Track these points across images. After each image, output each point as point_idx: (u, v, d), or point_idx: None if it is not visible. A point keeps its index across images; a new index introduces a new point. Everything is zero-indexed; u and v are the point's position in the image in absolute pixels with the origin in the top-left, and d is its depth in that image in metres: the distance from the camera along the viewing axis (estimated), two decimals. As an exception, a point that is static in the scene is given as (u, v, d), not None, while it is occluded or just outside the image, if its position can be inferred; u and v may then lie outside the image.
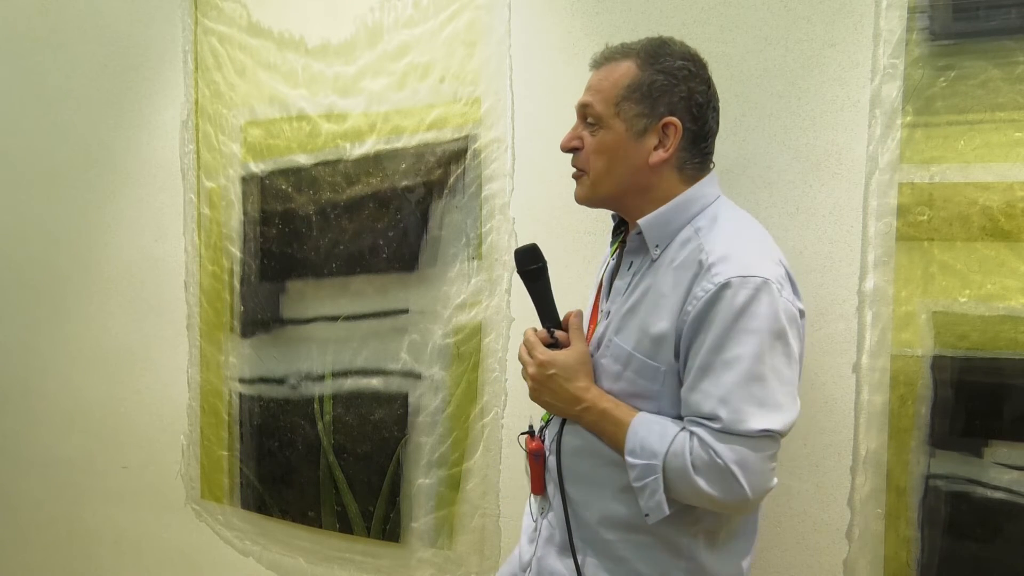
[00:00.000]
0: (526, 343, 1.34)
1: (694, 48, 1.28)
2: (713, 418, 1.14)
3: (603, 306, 1.34)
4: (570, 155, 1.32)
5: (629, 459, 1.20)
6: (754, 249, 1.22)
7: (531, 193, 1.80)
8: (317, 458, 2.10)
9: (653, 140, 1.24)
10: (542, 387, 1.30)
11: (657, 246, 1.25)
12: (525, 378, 1.34)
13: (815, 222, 1.52)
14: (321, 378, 2.09)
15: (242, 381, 2.22)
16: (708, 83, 1.27)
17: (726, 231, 1.23)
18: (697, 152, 1.26)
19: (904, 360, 1.45)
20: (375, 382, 2.01)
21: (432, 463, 1.95)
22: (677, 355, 1.20)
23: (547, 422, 1.39)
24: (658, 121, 1.23)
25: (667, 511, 1.17)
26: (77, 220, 2.53)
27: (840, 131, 1.49)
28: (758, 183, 1.56)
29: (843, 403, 1.51)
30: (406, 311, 1.96)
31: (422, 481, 1.96)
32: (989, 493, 1.39)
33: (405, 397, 1.97)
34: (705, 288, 1.16)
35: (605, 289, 1.36)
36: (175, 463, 2.39)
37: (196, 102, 2.27)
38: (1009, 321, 1.37)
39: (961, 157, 1.40)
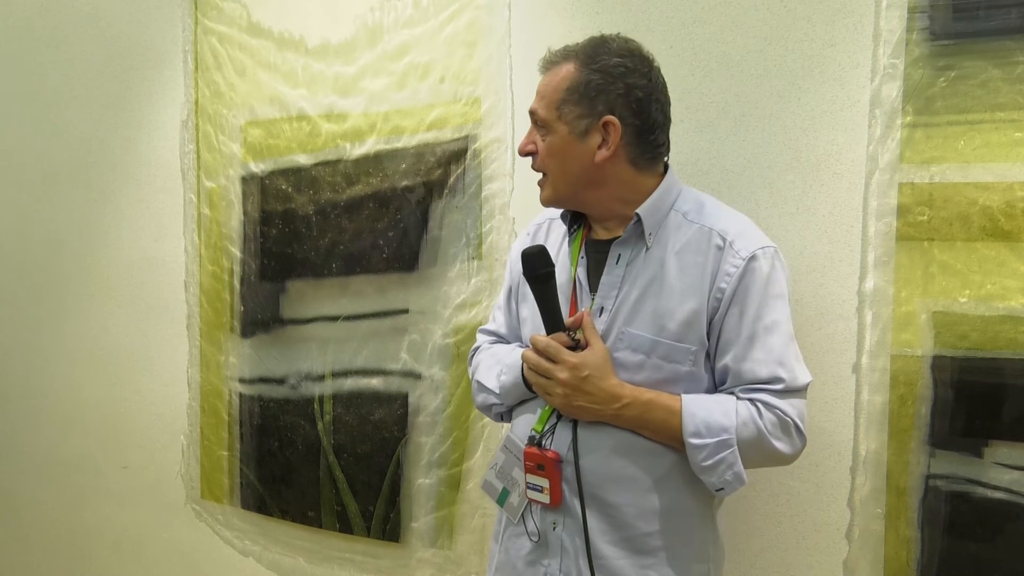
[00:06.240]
0: (546, 350, 1.26)
1: (637, 44, 1.30)
2: (773, 380, 1.23)
3: (594, 302, 1.32)
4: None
5: (693, 441, 1.22)
6: (752, 223, 1.32)
7: (531, 193, 1.78)
8: (317, 458, 2.10)
9: (597, 139, 1.28)
10: (576, 392, 1.25)
11: (651, 234, 1.29)
12: (548, 388, 1.28)
13: (815, 222, 1.52)
14: (321, 378, 2.09)
15: (242, 381, 2.22)
16: (649, 77, 1.29)
17: (723, 211, 1.32)
18: (646, 144, 1.29)
19: (904, 360, 1.45)
20: (375, 382, 2.01)
21: (432, 463, 1.95)
22: (708, 333, 1.26)
23: (543, 430, 1.33)
24: (598, 120, 1.27)
25: (745, 480, 1.23)
26: (77, 220, 2.53)
27: (840, 131, 1.49)
28: (758, 183, 1.56)
29: (843, 403, 1.51)
30: (406, 311, 1.96)
31: (422, 481, 1.96)
32: (989, 493, 1.39)
33: (405, 397, 1.97)
34: (735, 264, 1.25)
35: (585, 286, 1.34)
36: (175, 463, 2.39)
37: (196, 102, 2.27)
38: (1009, 321, 1.37)
39: (961, 157, 1.40)
